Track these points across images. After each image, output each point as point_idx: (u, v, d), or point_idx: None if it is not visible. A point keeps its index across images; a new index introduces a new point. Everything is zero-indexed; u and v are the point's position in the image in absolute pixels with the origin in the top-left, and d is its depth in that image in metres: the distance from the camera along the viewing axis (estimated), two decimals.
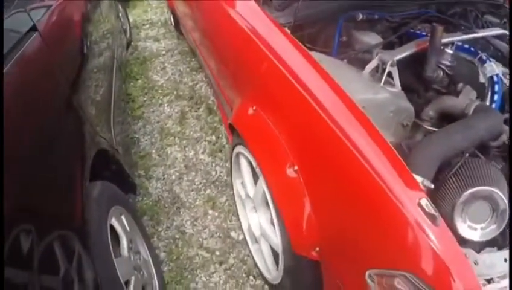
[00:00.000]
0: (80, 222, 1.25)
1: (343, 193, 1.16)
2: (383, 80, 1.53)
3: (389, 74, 1.59)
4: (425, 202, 0.96)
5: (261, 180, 1.52)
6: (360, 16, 1.84)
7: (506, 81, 1.65)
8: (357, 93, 1.31)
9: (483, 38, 1.88)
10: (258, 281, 1.94)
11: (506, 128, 1.43)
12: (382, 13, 1.90)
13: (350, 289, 1.20)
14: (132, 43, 3.95)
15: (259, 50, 1.51)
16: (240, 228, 2.12)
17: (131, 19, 4.30)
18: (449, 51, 1.69)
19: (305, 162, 1.29)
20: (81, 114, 1.54)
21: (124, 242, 1.61)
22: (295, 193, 1.30)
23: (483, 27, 2.00)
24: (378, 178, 1.01)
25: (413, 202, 0.96)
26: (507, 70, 1.72)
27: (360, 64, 1.68)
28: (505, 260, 1.08)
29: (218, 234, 2.16)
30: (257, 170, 1.53)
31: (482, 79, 1.65)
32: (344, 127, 1.12)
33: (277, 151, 1.38)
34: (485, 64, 1.65)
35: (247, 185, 1.79)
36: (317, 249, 1.29)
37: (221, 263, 2.02)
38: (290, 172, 1.31)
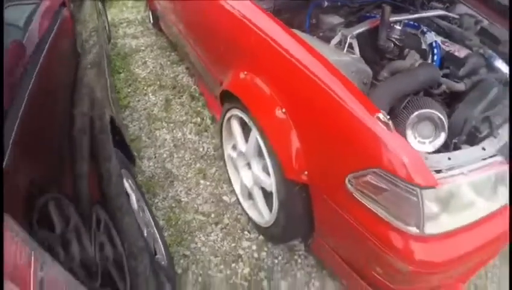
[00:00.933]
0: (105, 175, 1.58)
1: (321, 123, 1.66)
2: (345, 49, 2.04)
3: (351, 46, 2.10)
4: (381, 115, 1.45)
5: (254, 132, 1.98)
6: (326, 3, 2.38)
7: (445, 47, 2.20)
8: (326, 56, 1.80)
9: (427, 18, 2.45)
10: (253, 235, 2.37)
11: (446, 80, 1.97)
12: (344, 0, 2.44)
13: (336, 198, 1.67)
14: (111, 40, 4.33)
15: (248, 28, 1.99)
16: (231, 192, 2.57)
17: (108, 18, 4.66)
18: (398, 27, 2.23)
19: (291, 105, 1.77)
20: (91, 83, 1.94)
21: (133, 199, 1.98)
22: (285, 129, 1.77)
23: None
24: (346, 105, 1.51)
25: (373, 116, 1.45)
26: (446, 40, 2.28)
27: (327, 40, 2.18)
28: (448, 158, 1.54)
29: (211, 199, 2.58)
30: (250, 123, 2.00)
31: (424, 46, 2.19)
32: (318, 74, 1.62)
33: (267, 100, 1.85)
34: (426, 35, 2.20)
35: (239, 143, 2.25)
36: (306, 172, 1.76)
37: (217, 224, 2.43)
38: (279, 113, 1.79)
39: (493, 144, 1.67)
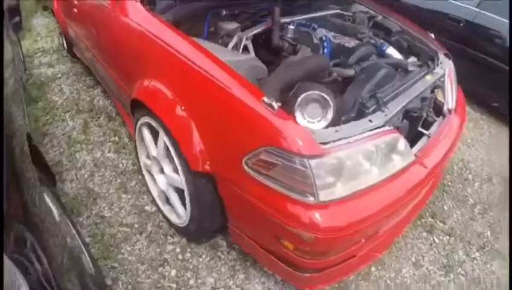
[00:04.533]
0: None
1: (216, 114, 1.82)
2: (240, 49, 2.22)
3: (247, 48, 2.28)
4: (265, 98, 1.62)
5: (161, 134, 2.10)
6: (224, 12, 2.56)
7: (335, 40, 2.43)
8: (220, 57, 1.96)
9: (323, 17, 2.71)
10: (176, 238, 2.47)
11: (336, 68, 2.19)
12: (241, 8, 2.63)
13: (237, 182, 1.81)
14: (27, 71, 4.29)
15: (149, 39, 2.13)
16: (152, 202, 2.66)
17: (23, 49, 4.60)
18: (291, 27, 2.45)
19: (189, 102, 1.92)
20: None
21: (55, 214, 2.06)
22: (185, 125, 1.91)
23: None
24: (234, 93, 1.69)
25: (258, 101, 1.63)
26: (338, 34, 2.52)
27: (225, 46, 2.35)
28: (336, 131, 1.70)
29: (133, 211, 2.65)
30: (157, 126, 2.11)
31: (315, 41, 2.41)
32: (209, 70, 1.79)
33: (168, 101, 1.98)
34: (316, 31, 2.42)
35: (151, 148, 2.35)
36: (208, 162, 1.89)
37: (141, 233, 2.51)
38: (179, 111, 1.93)
39: (380, 117, 1.87)
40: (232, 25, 2.49)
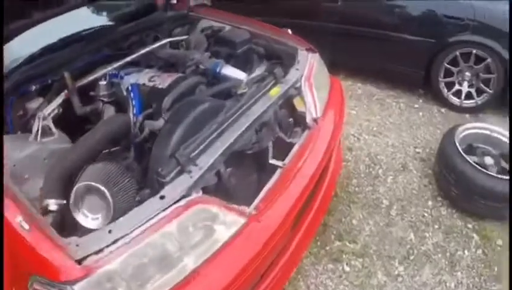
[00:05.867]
0: None
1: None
2: (39, 136, 1.83)
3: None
4: (19, 218, 1.32)
5: None
6: (34, 87, 2.06)
7: (149, 83, 2.08)
8: (9, 161, 1.62)
9: (150, 53, 2.35)
10: None
11: (147, 122, 1.87)
12: (53, 76, 2.13)
13: None
14: None
15: None
16: None
17: None
18: (102, 82, 2.08)
19: None
20: None
21: None
22: None
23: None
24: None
25: (17, 223, 1.32)
26: (157, 73, 2.17)
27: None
28: (109, 231, 1.34)
29: None
30: None
31: (125, 93, 2.07)
32: None
33: None
34: (123, 80, 2.08)
35: None
36: None
37: None
38: None
39: (183, 183, 1.52)
40: (36, 102, 2.04)
